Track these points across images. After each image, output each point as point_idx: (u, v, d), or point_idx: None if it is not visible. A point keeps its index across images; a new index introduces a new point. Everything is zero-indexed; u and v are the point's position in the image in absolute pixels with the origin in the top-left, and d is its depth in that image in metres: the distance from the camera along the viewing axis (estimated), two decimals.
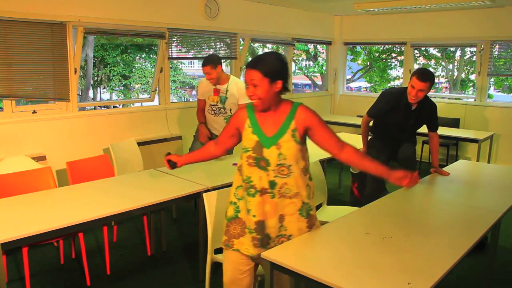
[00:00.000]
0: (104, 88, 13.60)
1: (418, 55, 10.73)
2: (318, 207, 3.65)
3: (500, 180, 3.58)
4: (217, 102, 4.27)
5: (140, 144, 4.80)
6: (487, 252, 3.61)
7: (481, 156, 6.09)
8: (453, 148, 6.99)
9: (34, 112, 4.58)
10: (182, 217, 4.77)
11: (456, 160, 5.38)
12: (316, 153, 4.34)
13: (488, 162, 6.27)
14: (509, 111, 6.72)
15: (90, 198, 2.97)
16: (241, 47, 6.72)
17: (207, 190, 3.09)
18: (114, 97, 13.31)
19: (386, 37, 8.12)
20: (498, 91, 10.75)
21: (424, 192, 3.25)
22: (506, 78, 9.88)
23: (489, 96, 7.63)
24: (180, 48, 5.93)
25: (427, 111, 3.70)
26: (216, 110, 4.31)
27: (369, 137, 4.19)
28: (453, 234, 2.41)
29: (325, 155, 4.26)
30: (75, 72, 4.76)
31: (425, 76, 3.44)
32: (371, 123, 4.13)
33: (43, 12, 4.40)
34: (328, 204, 3.74)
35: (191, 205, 4.96)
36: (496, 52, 7.09)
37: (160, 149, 5.53)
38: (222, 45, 6.55)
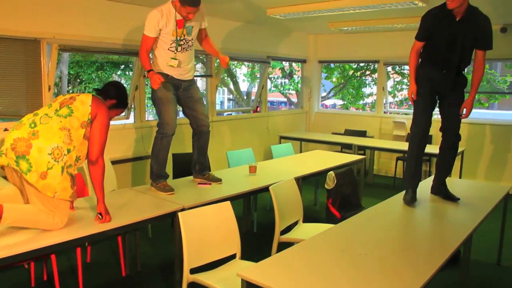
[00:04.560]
0: None
1: (392, 72, 10.94)
2: (294, 224, 3.66)
3: (471, 195, 3.67)
4: (184, 36, 3.61)
5: (114, 162, 4.75)
6: (460, 266, 3.67)
7: (453, 172, 6.21)
8: (425, 164, 7.11)
9: (6, 130, 4.49)
10: (158, 236, 4.72)
11: (429, 175, 5.47)
12: (290, 170, 4.38)
13: (460, 177, 6.41)
14: (475, 127, 6.94)
15: None
16: (216, 65, 6.75)
17: (183, 209, 3.08)
18: None
19: (360, 55, 8.29)
20: None
21: (397, 208, 3.30)
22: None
23: None
24: None
25: (475, 23, 3.23)
26: (184, 45, 3.64)
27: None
28: (427, 249, 2.45)
29: (301, 172, 4.31)
30: (49, 89, 4.70)
31: None
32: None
33: (16, 28, 4.35)
34: (304, 221, 3.75)
35: (168, 222, 4.91)
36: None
37: (135, 167, 5.50)
38: (198, 63, 6.56)
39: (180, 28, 3.56)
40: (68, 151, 2.62)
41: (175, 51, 3.62)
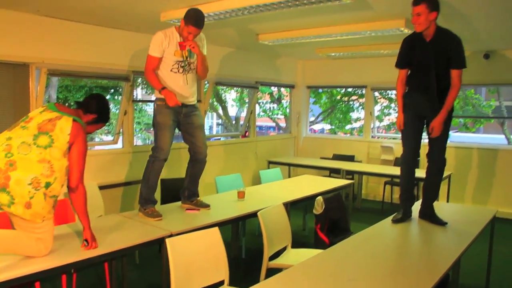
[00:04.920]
0: None
1: (379, 97, 11.07)
2: (283, 250, 3.64)
3: (459, 219, 3.69)
4: (186, 58, 3.68)
5: (102, 188, 4.71)
6: None
7: (440, 196, 6.25)
8: (414, 188, 7.15)
9: None
10: (146, 262, 4.66)
11: (417, 200, 5.51)
12: (279, 196, 4.38)
13: (447, 201, 6.44)
14: (461, 151, 7.03)
15: None
16: (205, 90, 6.79)
17: (171, 235, 3.05)
18: None
19: (347, 80, 8.40)
20: (455, 131, 11.20)
21: (386, 233, 3.30)
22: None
23: None
24: (146, 90, 5.93)
25: (445, 43, 3.31)
26: (186, 67, 3.70)
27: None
28: (416, 274, 2.45)
29: (290, 197, 4.31)
30: None
31: None
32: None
33: (5, 52, 4.35)
34: (293, 247, 3.73)
35: (155, 248, 4.85)
36: None
37: (123, 193, 5.45)
38: None
39: (183, 49, 3.65)
40: (47, 184, 2.52)
41: (177, 72, 3.66)
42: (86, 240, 2.75)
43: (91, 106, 2.87)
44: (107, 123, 3.07)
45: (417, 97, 3.49)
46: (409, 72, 3.57)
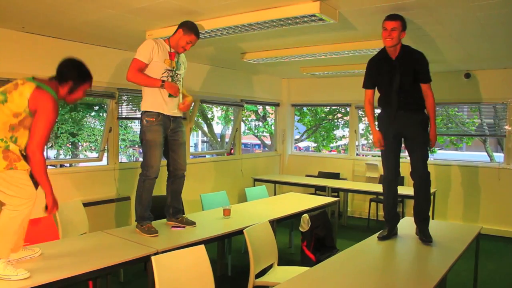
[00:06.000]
0: (51, 146, 13.24)
1: (363, 115, 11.19)
2: (269, 268, 3.62)
3: (444, 235, 3.71)
4: (173, 68, 3.68)
5: (86, 205, 4.64)
6: None
7: None
8: (399, 206, 7.20)
9: None
10: (130, 280, 4.59)
11: (403, 217, 5.54)
12: (264, 213, 4.37)
13: (432, 218, 6.49)
14: (445, 168, 7.08)
15: (31, 263, 2.82)
16: (190, 111, 6.79)
17: (156, 253, 3.02)
18: (62, 154, 12.95)
19: (332, 99, 8.48)
20: (441, 148, 11.30)
21: (372, 250, 3.31)
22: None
23: (433, 151, 8.05)
24: (131, 107, 5.92)
25: (411, 59, 3.43)
26: (174, 77, 3.69)
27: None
28: None
29: (276, 215, 4.30)
30: None
31: (394, 15, 3.36)
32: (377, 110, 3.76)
33: None
34: (279, 264, 3.72)
35: (140, 266, 4.79)
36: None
37: (108, 210, 5.39)
38: None
39: (172, 59, 3.67)
40: None
41: (167, 80, 3.64)
42: (46, 206, 2.74)
43: (65, 75, 2.80)
44: (91, 82, 2.98)
45: (386, 115, 3.59)
46: (380, 91, 3.65)
